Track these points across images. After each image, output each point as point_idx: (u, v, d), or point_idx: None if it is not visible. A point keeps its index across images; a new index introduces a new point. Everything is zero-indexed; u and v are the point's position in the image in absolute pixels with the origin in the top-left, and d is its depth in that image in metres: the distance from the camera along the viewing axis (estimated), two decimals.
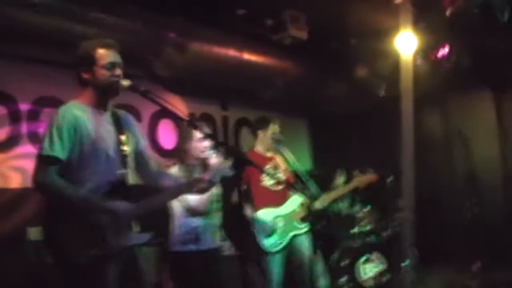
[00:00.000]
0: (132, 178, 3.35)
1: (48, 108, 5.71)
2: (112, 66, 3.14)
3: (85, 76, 3.15)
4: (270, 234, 5.18)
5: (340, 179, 7.13)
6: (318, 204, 5.28)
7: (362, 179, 5.76)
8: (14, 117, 5.62)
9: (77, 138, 3.03)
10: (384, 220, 7.28)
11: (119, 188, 3.16)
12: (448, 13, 6.27)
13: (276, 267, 5.19)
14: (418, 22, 6.58)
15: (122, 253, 3.07)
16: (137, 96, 3.11)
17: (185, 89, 7.10)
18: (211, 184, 3.42)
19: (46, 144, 2.99)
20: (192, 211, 4.48)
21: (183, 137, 4.74)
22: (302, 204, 5.37)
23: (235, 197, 5.04)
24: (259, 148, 5.57)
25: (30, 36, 5.03)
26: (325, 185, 6.99)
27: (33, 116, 5.72)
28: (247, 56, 6.86)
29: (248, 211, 5.21)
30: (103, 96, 3.20)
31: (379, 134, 8.12)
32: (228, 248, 4.90)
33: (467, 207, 7.30)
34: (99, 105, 3.21)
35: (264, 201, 5.27)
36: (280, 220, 5.26)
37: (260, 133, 5.56)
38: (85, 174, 3.06)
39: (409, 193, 6.57)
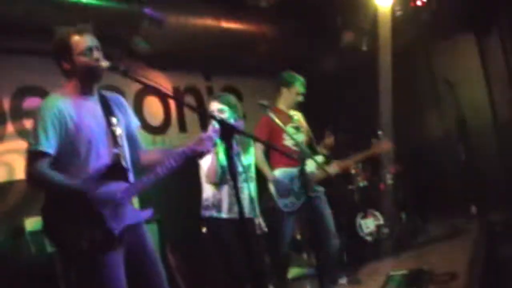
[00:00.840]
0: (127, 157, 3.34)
1: (30, 98, 5.66)
2: (89, 50, 3.10)
3: (66, 66, 3.13)
4: (286, 194, 5.18)
5: (329, 139, 7.08)
6: (333, 169, 5.21)
7: (380, 146, 5.61)
8: None
9: (62, 130, 3.03)
10: (378, 175, 7.32)
11: (114, 169, 3.16)
12: None
13: (288, 228, 5.19)
14: None
15: (125, 234, 3.09)
16: (118, 76, 3.06)
17: (166, 64, 7.03)
18: (202, 152, 3.40)
19: (32, 139, 3.02)
20: (206, 179, 4.48)
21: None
22: (320, 166, 5.28)
23: None
24: (282, 105, 5.43)
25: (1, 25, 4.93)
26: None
27: (15, 105, 5.66)
28: (225, 24, 6.77)
29: (265, 170, 5.21)
30: (86, 82, 3.17)
31: (366, 91, 8.10)
32: (258, 227, 4.77)
33: (459, 154, 7.35)
34: (84, 92, 3.18)
35: (284, 160, 5.17)
36: (297, 181, 5.23)
37: (284, 90, 5.44)
38: (77, 163, 3.07)
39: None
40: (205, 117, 4.48)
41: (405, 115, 7.52)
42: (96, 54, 3.12)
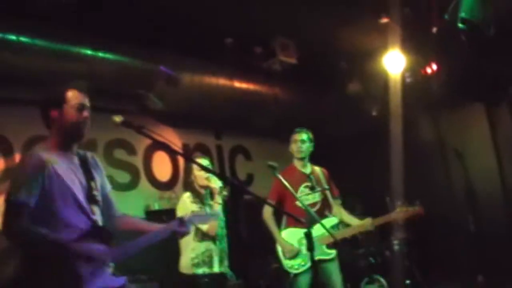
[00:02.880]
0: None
1: None
2: (81, 107, 3.14)
3: (53, 114, 3.14)
4: (293, 256, 5.11)
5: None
6: (340, 234, 5.15)
7: (402, 212, 5.32)
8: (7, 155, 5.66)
9: (45, 184, 2.97)
10: (385, 241, 7.25)
11: (95, 233, 3.09)
12: (434, 30, 6.32)
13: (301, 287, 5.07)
14: (405, 41, 6.63)
15: None
16: (129, 130, 3.10)
17: (178, 121, 7.10)
18: (183, 234, 3.43)
19: (12, 190, 2.95)
20: (203, 235, 4.61)
21: (187, 168, 4.91)
22: (333, 228, 5.19)
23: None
24: (296, 162, 5.44)
25: (21, 78, 5.03)
26: None
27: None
28: (238, 84, 6.89)
29: (273, 230, 5.21)
30: (69, 137, 3.17)
31: (376, 154, 8.11)
32: (231, 276, 4.93)
33: (467, 223, 7.28)
34: (65, 148, 3.18)
35: (294, 221, 4.95)
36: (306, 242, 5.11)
37: (290, 146, 5.45)
38: (55, 218, 2.99)
39: None
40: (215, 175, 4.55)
41: (413, 182, 7.48)
42: (86, 113, 3.15)
